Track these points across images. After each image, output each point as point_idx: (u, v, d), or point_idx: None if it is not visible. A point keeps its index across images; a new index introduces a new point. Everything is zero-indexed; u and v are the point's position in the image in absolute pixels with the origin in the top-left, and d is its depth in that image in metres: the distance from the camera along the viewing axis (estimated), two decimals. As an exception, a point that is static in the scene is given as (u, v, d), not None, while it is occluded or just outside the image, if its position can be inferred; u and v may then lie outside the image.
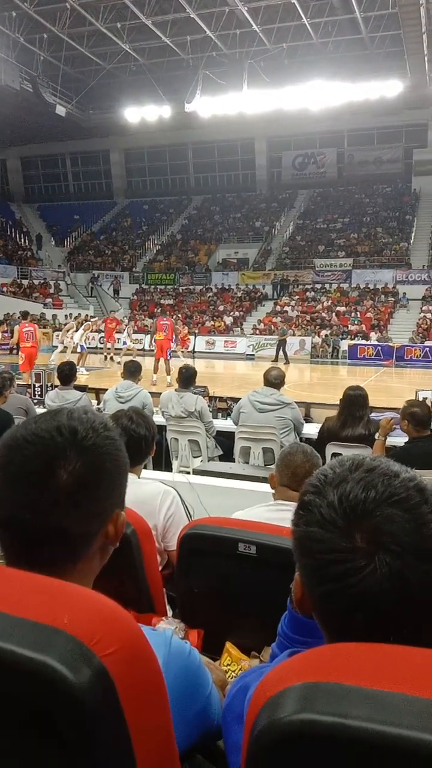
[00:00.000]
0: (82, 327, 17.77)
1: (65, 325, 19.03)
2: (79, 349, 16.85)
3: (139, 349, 23.32)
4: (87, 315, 22.58)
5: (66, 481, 0.81)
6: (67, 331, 17.81)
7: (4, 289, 30.77)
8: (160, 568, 2.06)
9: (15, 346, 14.79)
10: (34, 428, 0.85)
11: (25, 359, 12.76)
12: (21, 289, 31.61)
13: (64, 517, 0.81)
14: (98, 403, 7.39)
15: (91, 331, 17.47)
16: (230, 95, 25.13)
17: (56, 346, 18.78)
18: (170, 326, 15.77)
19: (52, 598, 0.66)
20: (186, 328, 23.36)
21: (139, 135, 32.46)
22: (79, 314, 23.95)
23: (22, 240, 37.34)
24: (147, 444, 2.30)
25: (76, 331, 17.51)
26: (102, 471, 0.85)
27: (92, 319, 20.82)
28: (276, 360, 20.50)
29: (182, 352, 19.22)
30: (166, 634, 0.89)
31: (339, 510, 0.72)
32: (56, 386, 6.82)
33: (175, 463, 5.37)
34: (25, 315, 14.62)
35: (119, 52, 25.45)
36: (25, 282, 32.46)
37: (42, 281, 33.05)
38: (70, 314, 28.24)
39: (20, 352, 13.26)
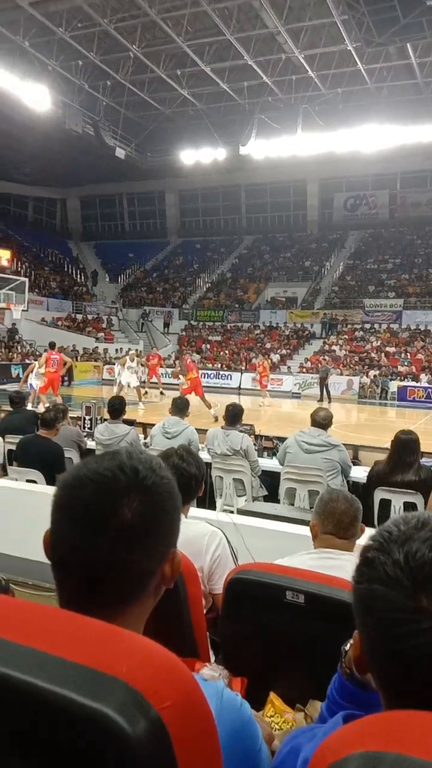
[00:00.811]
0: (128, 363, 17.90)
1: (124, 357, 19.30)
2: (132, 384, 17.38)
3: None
4: (137, 350, 22.76)
5: (128, 520, 0.82)
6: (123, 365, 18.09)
7: (59, 322, 31.69)
8: (204, 611, 2.04)
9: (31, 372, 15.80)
10: (95, 467, 0.86)
11: (46, 383, 14.49)
12: (75, 323, 32.49)
13: (125, 555, 0.82)
14: (145, 438, 7.45)
15: (135, 365, 17.67)
16: (284, 138, 25.66)
17: (108, 380, 19.17)
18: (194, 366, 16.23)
19: (110, 645, 0.66)
20: (267, 361, 22.56)
21: (194, 176, 33.36)
22: (129, 349, 24.23)
23: (79, 276, 38.57)
24: (197, 483, 2.30)
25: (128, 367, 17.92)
26: (161, 510, 0.87)
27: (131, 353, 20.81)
28: (321, 399, 20.34)
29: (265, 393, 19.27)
30: (218, 685, 0.89)
31: (405, 569, 0.70)
32: (105, 420, 6.93)
33: (219, 502, 5.34)
34: (52, 345, 15.96)
35: (178, 98, 26.39)
36: (79, 316, 33.38)
37: (95, 316, 33.91)
38: (120, 348, 28.83)
39: (44, 377, 14.76)
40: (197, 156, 27.99)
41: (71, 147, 30.55)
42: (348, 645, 1.00)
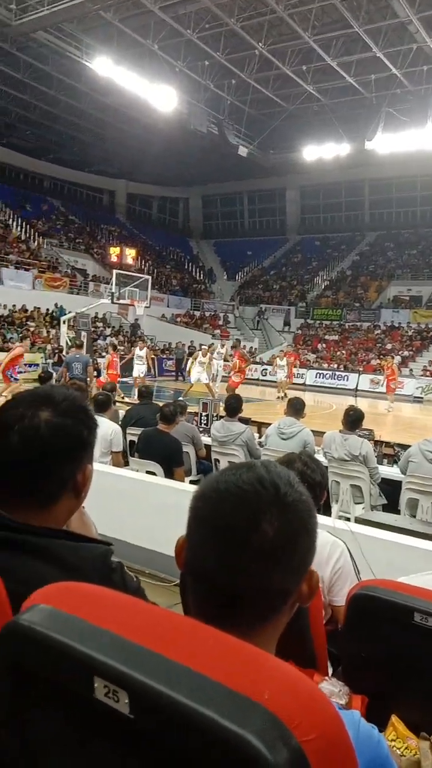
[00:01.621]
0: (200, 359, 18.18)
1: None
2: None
3: (300, 384, 23.42)
4: (210, 345, 22.72)
5: (270, 538, 0.81)
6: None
7: (178, 319, 32.57)
8: (324, 623, 2.00)
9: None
10: (234, 480, 0.85)
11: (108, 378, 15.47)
12: (193, 320, 33.26)
13: (265, 573, 0.81)
14: (260, 437, 7.46)
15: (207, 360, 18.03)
16: (412, 131, 24.64)
17: (225, 376, 19.62)
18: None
19: (252, 668, 0.65)
20: (393, 363, 20.80)
21: (316, 172, 32.92)
22: (202, 344, 24.14)
23: (198, 274, 39.42)
24: (321, 491, 2.26)
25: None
26: (303, 528, 0.85)
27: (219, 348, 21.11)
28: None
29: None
30: (354, 715, 0.86)
31: None
32: (222, 417, 7.01)
33: (334, 507, 5.24)
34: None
35: (302, 94, 26.14)
36: (197, 313, 34.12)
37: (212, 313, 34.50)
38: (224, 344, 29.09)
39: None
40: (320, 152, 27.57)
41: (195, 147, 31.25)
42: None
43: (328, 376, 25.92)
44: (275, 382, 20.49)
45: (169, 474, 5.54)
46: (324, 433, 5.99)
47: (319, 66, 23.64)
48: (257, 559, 0.80)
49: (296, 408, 6.16)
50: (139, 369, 17.25)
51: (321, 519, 4.05)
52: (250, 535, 0.81)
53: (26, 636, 0.74)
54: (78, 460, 1.20)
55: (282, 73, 24.39)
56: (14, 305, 25.18)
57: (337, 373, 26.58)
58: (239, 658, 0.67)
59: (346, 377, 26.07)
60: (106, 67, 21.47)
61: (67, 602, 0.78)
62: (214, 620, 0.78)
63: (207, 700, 0.63)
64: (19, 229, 30.89)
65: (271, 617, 0.84)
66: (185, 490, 4.50)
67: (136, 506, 4.63)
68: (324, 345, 30.42)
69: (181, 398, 15.79)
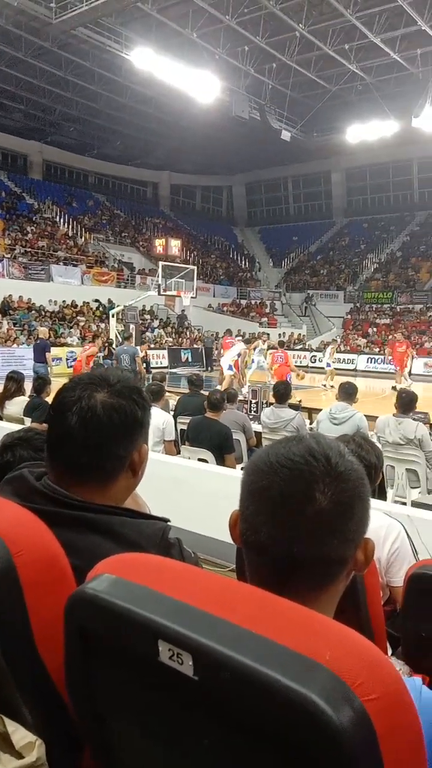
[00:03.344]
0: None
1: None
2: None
3: (351, 370, 23.13)
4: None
5: (325, 507, 0.82)
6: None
7: (225, 308, 32.58)
8: (382, 603, 1.99)
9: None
10: (285, 452, 0.86)
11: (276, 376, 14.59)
12: (239, 308, 33.21)
13: (323, 542, 0.82)
14: (311, 423, 7.42)
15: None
16: (462, 105, 23.85)
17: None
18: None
19: (313, 630, 0.66)
20: None
21: (361, 153, 32.26)
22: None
23: (243, 262, 39.27)
24: (375, 473, 2.24)
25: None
26: (357, 496, 0.85)
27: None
28: None
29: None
30: (416, 681, 0.86)
31: None
32: (272, 404, 7.00)
33: (389, 492, 5.17)
34: (281, 344, 16.98)
35: (345, 73, 25.60)
36: (244, 302, 34.03)
37: (259, 301, 34.34)
38: (283, 333, 28.92)
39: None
40: (365, 132, 26.96)
41: (237, 134, 31.04)
42: None
43: (380, 360, 25.43)
44: (323, 369, 20.40)
45: (221, 461, 5.58)
46: (377, 417, 5.91)
47: (362, 44, 23.11)
48: (313, 528, 0.81)
49: (348, 392, 6.10)
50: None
51: (375, 503, 4.01)
52: (305, 505, 0.82)
53: (92, 603, 0.77)
54: (134, 440, 1.23)
55: (324, 54, 23.94)
56: (64, 301, 25.69)
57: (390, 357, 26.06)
58: (299, 622, 0.68)
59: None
60: (146, 59, 21.54)
61: (129, 572, 0.80)
62: (272, 588, 0.79)
63: (269, 661, 0.64)
64: (66, 225, 31.43)
65: (328, 585, 0.85)
66: (237, 477, 4.52)
67: (189, 493, 4.68)
68: (375, 329, 29.88)
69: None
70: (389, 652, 1.95)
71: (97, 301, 26.85)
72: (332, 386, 16.83)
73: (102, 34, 22.41)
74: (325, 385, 17.99)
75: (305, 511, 0.82)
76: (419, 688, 0.84)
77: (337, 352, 21.01)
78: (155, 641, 0.70)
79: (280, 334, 29.33)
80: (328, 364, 19.24)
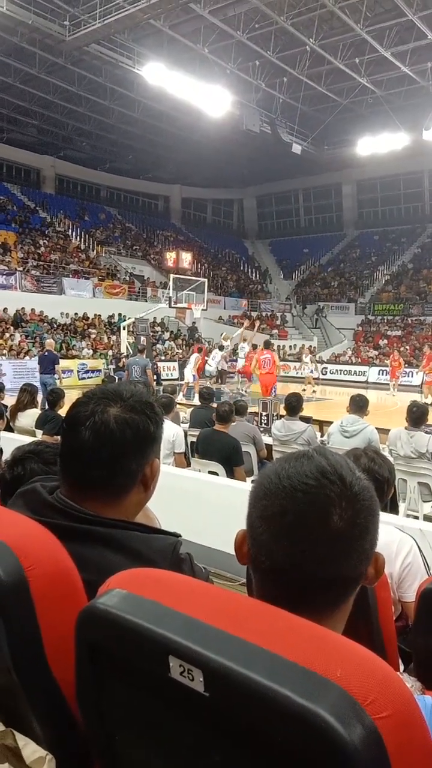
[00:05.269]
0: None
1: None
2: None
3: (362, 382, 23.08)
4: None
5: (340, 529, 0.81)
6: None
7: (235, 320, 32.63)
8: (393, 618, 1.98)
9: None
10: (296, 474, 0.84)
11: (261, 386, 14.20)
12: (249, 320, 33.23)
13: (341, 563, 0.81)
14: (322, 435, 7.38)
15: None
16: (472, 117, 23.90)
17: (283, 376, 19.99)
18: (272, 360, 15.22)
19: (324, 647, 0.66)
20: None
21: (372, 166, 32.35)
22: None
23: (254, 274, 39.37)
24: (388, 487, 2.23)
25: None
26: (370, 515, 0.85)
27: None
28: None
29: None
30: (427, 700, 0.85)
31: None
32: (282, 416, 6.98)
33: (401, 506, 5.14)
34: (267, 344, 15.93)
35: (356, 87, 25.74)
36: (254, 314, 34.07)
37: (269, 313, 34.37)
38: (294, 345, 28.91)
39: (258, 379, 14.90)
40: (376, 144, 27.06)
41: (248, 147, 31.24)
42: None
43: (390, 372, 25.28)
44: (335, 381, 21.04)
45: (231, 473, 5.57)
46: (389, 430, 5.87)
47: (372, 57, 23.22)
48: (330, 551, 0.81)
49: (359, 405, 6.04)
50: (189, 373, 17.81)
51: (387, 516, 3.99)
52: (323, 529, 0.81)
53: (103, 618, 0.77)
54: (146, 454, 1.24)
55: (334, 68, 24.08)
56: (76, 313, 25.85)
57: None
58: (310, 638, 0.68)
59: (410, 373, 25.37)
60: (158, 74, 21.77)
61: (141, 587, 0.80)
62: (284, 606, 0.78)
63: (280, 677, 0.64)
64: (78, 238, 31.70)
65: (341, 603, 0.85)
66: (247, 490, 4.50)
67: (198, 506, 4.67)
68: (386, 341, 29.79)
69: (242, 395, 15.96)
70: (401, 668, 1.93)
71: (111, 316, 27.01)
72: (314, 391, 18.57)
73: (114, 50, 22.69)
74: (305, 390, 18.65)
75: (323, 534, 0.81)
76: (429, 707, 0.84)
77: (342, 362, 21.65)
78: (166, 657, 0.70)
79: (290, 346, 29.31)
80: (311, 371, 20.76)
